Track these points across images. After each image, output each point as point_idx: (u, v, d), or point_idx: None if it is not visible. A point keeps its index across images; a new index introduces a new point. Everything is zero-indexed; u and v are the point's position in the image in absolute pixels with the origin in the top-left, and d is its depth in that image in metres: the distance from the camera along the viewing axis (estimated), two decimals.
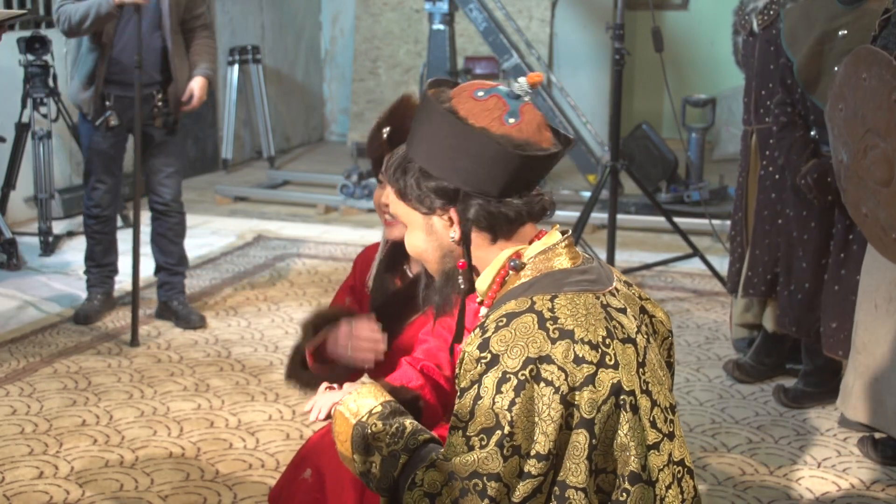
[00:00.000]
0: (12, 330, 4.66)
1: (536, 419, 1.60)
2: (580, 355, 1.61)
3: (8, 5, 6.55)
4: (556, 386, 1.59)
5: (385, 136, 2.28)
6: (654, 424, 1.68)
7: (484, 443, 1.60)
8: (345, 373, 2.33)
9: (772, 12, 3.95)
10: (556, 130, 1.77)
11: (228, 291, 5.28)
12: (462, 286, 1.77)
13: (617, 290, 1.75)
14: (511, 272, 1.72)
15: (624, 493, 1.65)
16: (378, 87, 9.60)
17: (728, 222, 5.55)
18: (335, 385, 1.95)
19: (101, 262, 4.77)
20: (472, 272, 1.77)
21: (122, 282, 5.16)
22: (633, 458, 1.64)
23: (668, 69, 5.76)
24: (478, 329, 1.67)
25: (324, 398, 1.92)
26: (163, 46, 4.51)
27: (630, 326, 1.71)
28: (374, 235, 5.97)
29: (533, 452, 1.60)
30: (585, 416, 1.61)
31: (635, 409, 1.65)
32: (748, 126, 4.14)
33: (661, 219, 5.70)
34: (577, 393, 1.61)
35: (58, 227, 6.19)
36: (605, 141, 7.27)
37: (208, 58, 4.65)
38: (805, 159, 3.67)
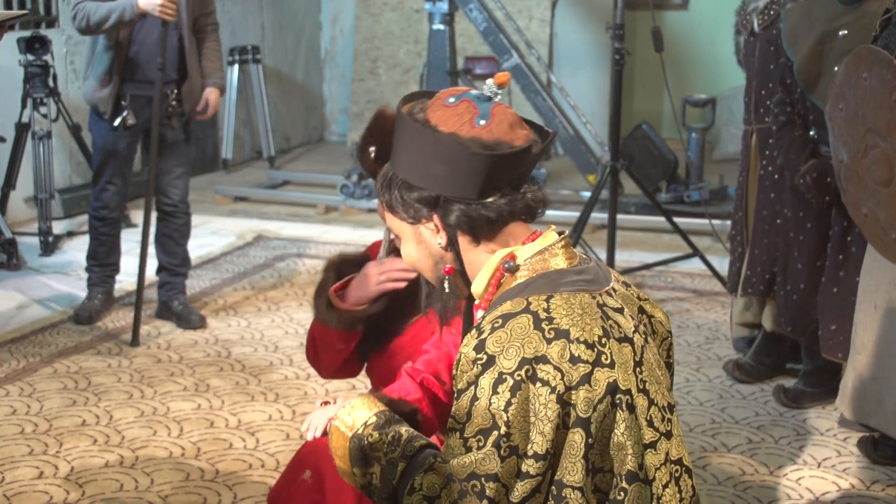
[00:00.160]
0: (12, 330, 4.66)
1: (533, 419, 1.60)
2: (576, 355, 1.62)
3: (8, 6, 6.54)
4: (553, 386, 1.60)
5: (372, 155, 2.32)
6: (650, 423, 1.68)
7: (481, 444, 1.61)
8: (377, 308, 2.35)
9: (772, 12, 3.95)
10: (536, 125, 1.78)
11: (228, 291, 5.28)
12: (448, 291, 1.79)
13: (614, 290, 1.76)
14: (506, 274, 1.73)
15: (622, 493, 1.65)
16: (378, 87, 9.60)
17: (728, 222, 5.55)
18: (330, 400, 1.96)
19: (104, 262, 4.77)
20: (462, 277, 1.79)
21: (122, 282, 5.16)
22: (629, 457, 1.65)
23: (668, 69, 5.76)
24: (474, 330, 1.68)
25: (319, 415, 1.92)
26: (179, 45, 4.51)
27: (627, 326, 1.71)
28: (374, 235, 5.97)
29: (531, 452, 1.60)
30: (581, 415, 1.61)
31: (632, 407, 1.65)
32: (748, 126, 4.14)
33: (661, 219, 5.70)
34: (573, 392, 1.61)
35: (58, 227, 6.19)
36: (605, 141, 7.27)
37: (219, 65, 4.73)
38: (804, 159, 3.67)
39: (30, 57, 5.89)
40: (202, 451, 3.48)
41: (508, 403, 1.59)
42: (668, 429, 1.72)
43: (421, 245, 1.79)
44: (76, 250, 5.94)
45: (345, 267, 2.42)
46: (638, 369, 1.68)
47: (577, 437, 1.61)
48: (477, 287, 1.76)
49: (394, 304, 2.40)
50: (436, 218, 1.73)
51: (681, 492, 1.72)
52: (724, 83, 8.82)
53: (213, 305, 5.03)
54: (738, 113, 8.25)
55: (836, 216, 3.63)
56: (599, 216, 6.04)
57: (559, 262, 1.73)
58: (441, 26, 7.19)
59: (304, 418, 3.69)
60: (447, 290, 1.80)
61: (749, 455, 3.48)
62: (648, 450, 1.68)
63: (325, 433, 1.90)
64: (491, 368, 1.61)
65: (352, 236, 6.40)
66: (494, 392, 1.60)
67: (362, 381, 3.93)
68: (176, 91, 4.55)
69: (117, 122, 4.48)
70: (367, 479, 1.74)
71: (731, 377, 4.12)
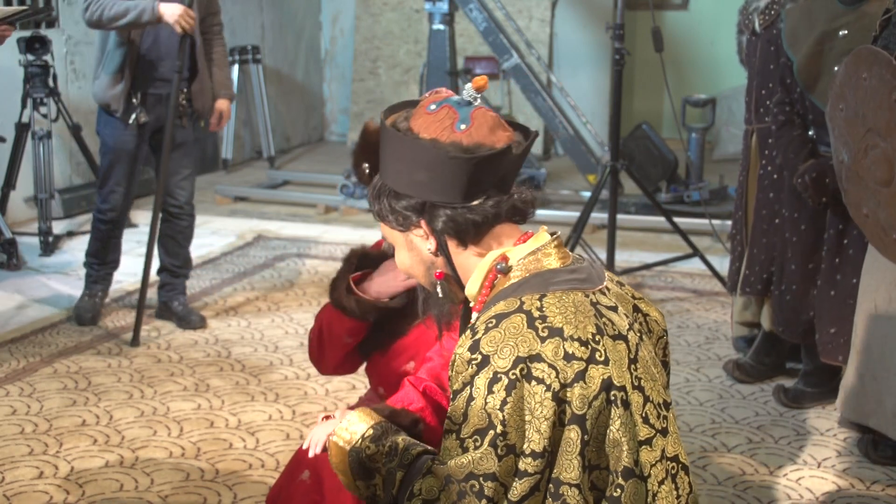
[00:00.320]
0: (12, 330, 4.66)
1: (529, 417, 1.61)
2: (570, 352, 1.63)
3: (7, 5, 6.54)
4: (548, 384, 1.61)
5: (367, 171, 2.35)
6: (646, 420, 1.69)
7: (478, 444, 1.62)
8: (399, 303, 2.37)
9: (772, 12, 3.95)
10: (520, 126, 1.81)
11: (228, 291, 5.28)
12: (442, 296, 1.82)
13: (608, 289, 1.77)
14: (499, 275, 1.75)
15: (618, 489, 1.66)
16: (378, 87, 9.60)
17: (728, 222, 5.56)
18: (332, 414, 1.97)
19: (105, 260, 4.75)
20: (455, 281, 1.81)
21: (122, 282, 5.17)
22: (625, 453, 1.65)
23: (668, 69, 5.76)
24: (468, 331, 1.69)
25: (319, 430, 1.94)
26: (190, 44, 4.49)
27: (621, 323, 1.72)
28: (374, 235, 5.97)
29: (528, 451, 1.61)
30: (577, 412, 1.62)
31: (626, 404, 1.66)
32: (749, 125, 4.14)
33: (661, 219, 5.70)
34: (568, 389, 1.62)
35: (58, 227, 6.19)
36: (605, 141, 7.27)
37: (229, 73, 4.79)
38: (802, 158, 3.67)
39: (30, 57, 5.89)
40: (202, 451, 3.48)
41: (504, 402, 1.60)
42: (664, 426, 1.72)
43: (412, 252, 1.81)
44: (76, 250, 5.94)
45: (364, 260, 2.43)
46: (633, 366, 1.69)
47: (572, 434, 1.62)
48: (470, 290, 1.78)
49: (401, 306, 2.40)
50: (423, 224, 1.76)
51: (678, 489, 1.72)
52: (724, 83, 8.82)
53: (213, 305, 5.03)
54: (738, 113, 8.26)
55: (831, 218, 3.63)
56: (599, 216, 6.04)
57: (552, 261, 1.74)
58: (441, 26, 7.18)
59: (305, 418, 3.71)
60: (441, 295, 1.82)
61: (749, 455, 3.48)
62: (644, 446, 1.68)
63: (325, 449, 1.91)
64: (486, 368, 1.62)
65: (352, 236, 6.40)
66: (490, 391, 1.61)
67: (362, 381, 3.93)
68: (186, 90, 4.54)
69: (131, 119, 4.44)
70: (370, 490, 1.76)
71: (731, 377, 4.12)
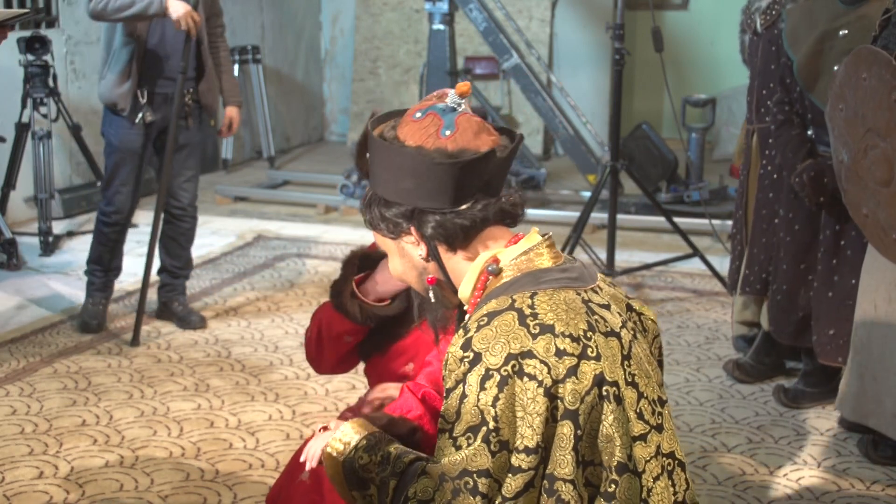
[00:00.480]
0: (12, 330, 4.66)
1: (521, 413, 1.62)
2: (561, 348, 1.64)
3: (7, 5, 6.55)
4: (540, 380, 1.62)
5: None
6: (640, 416, 1.70)
7: (471, 441, 1.63)
8: (400, 307, 2.37)
9: (773, 12, 3.95)
10: (505, 130, 1.83)
11: (228, 291, 5.28)
12: (435, 301, 1.84)
13: (600, 288, 1.79)
14: (491, 277, 1.77)
15: (612, 485, 1.67)
16: (378, 87, 9.60)
17: (728, 222, 5.56)
18: (329, 426, 1.98)
19: (108, 267, 4.68)
20: (448, 285, 1.83)
21: (122, 282, 5.16)
22: (618, 448, 1.66)
23: (668, 69, 5.76)
24: (461, 330, 1.71)
25: (317, 443, 1.95)
26: (196, 43, 4.49)
27: (613, 321, 1.73)
28: (373, 235, 5.96)
29: (521, 447, 1.62)
30: (569, 407, 1.63)
31: (619, 399, 1.67)
32: (750, 125, 4.15)
33: (661, 219, 5.70)
34: (560, 385, 1.63)
35: (58, 227, 6.19)
36: (605, 141, 7.26)
37: (234, 78, 4.80)
38: (801, 158, 3.67)
39: (30, 57, 5.89)
40: (202, 451, 3.48)
41: (496, 399, 1.62)
42: (660, 422, 1.73)
43: (404, 258, 1.84)
44: (76, 250, 5.94)
45: (365, 262, 2.43)
46: (626, 363, 1.70)
47: (566, 430, 1.63)
48: (463, 292, 1.80)
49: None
50: (413, 230, 1.78)
51: (674, 485, 1.73)
52: (724, 83, 8.82)
53: (213, 306, 5.03)
54: (738, 113, 8.26)
55: (826, 219, 3.63)
56: (599, 216, 6.04)
57: (544, 261, 1.76)
58: (441, 26, 7.18)
59: (305, 418, 3.71)
60: (433, 300, 1.85)
61: (749, 455, 3.48)
62: (638, 442, 1.69)
63: (321, 461, 1.92)
64: (478, 365, 1.64)
65: (352, 236, 6.40)
66: (482, 388, 1.62)
67: (362, 381, 3.93)
68: (193, 90, 4.53)
69: (138, 118, 4.41)
70: (366, 500, 1.77)
71: (731, 377, 4.12)
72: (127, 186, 4.54)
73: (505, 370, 1.62)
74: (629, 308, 1.83)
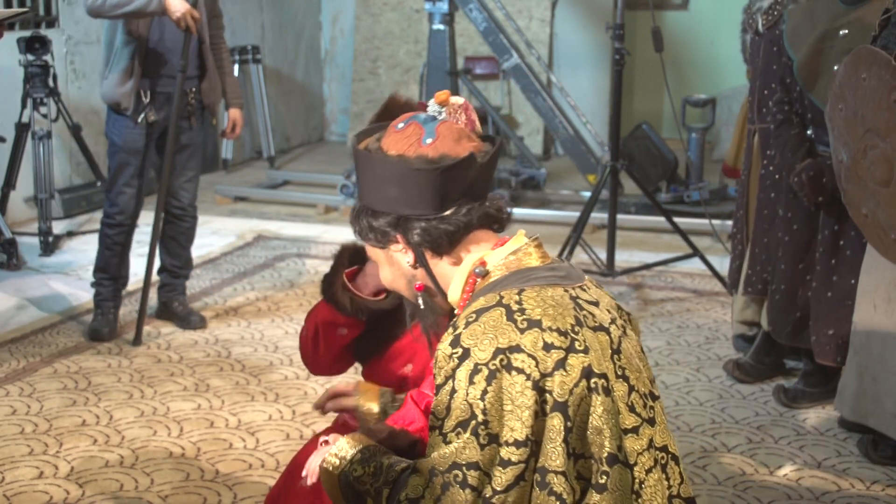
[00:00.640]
0: (12, 330, 4.66)
1: (510, 406, 1.64)
2: (549, 342, 1.66)
3: (8, 5, 6.54)
4: (528, 373, 1.64)
5: None
6: (632, 409, 1.72)
7: (460, 435, 1.65)
8: (393, 302, 2.37)
9: (775, 13, 3.95)
10: (488, 136, 1.86)
11: (228, 291, 5.28)
12: (424, 307, 1.88)
13: (588, 287, 1.82)
14: (479, 279, 1.80)
15: (603, 476, 1.68)
16: (378, 87, 9.60)
17: (728, 222, 5.56)
18: (329, 439, 1.99)
19: (115, 275, 4.61)
20: (437, 291, 1.85)
21: None
22: (608, 440, 1.68)
23: (668, 69, 5.76)
24: (450, 327, 1.73)
25: (316, 458, 1.97)
26: (198, 42, 4.48)
27: (602, 317, 1.76)
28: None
29: (511, 440, 1.63)
30: (558, 399, 1.65)
31: (608, 391, 1.69)
32: (752, 125, 4.15)
33: (661, 219, 5.70)
34: (548, 379, 1.65)
35: (58, 227, 6.19)
36: (605, 141, 7.27)
37: (235, 80, 4.80)
38: (800, 157, 3.68)
39: (30, 57, 5.89)
40: (202, 451, 3.48)
41: (484, 392, 1.64)
42: (651, 416, 1.75)
43: (394, 267, 1.87)
44: (76, 250, 5.94)
45: (356, 257, 2.43)
46: (615, 356, 1.73)
47: (555, 422, 1.65)
48: (453, 296, 1.83)
49: (396, 308, 2.40)
50: (400, 238, 1.81)
51: (668, 479, 1.75)
52: (724, 83, 8.82)
53: (213, 306, 5.03)
54: (738, 113, 8.25)
55: (824, 219, 3.63)
56: (599, 216, 6.04)
57: (532, 261, 1.79)
58: (441, 26, 7.18)
59: (305, 418, 3.71)
60: (423, 307, 1.88)
61: (749, 455, 3.48)
62: (629, 434, 1.71)
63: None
64: (467, 361, 1.66)
65: (351, 236, 6.37)
66: (471, 383, 1.64)
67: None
68: (194, 89, 4.53)
69: (140, 118, 4.39)
70: None
71: (731, 377, 4.12)
72: (131, 187, 4.51)
73: (493, 364, 1.64)
74: (619, 308, 1.85)
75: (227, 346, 4.48)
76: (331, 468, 1.84)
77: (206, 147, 8.40)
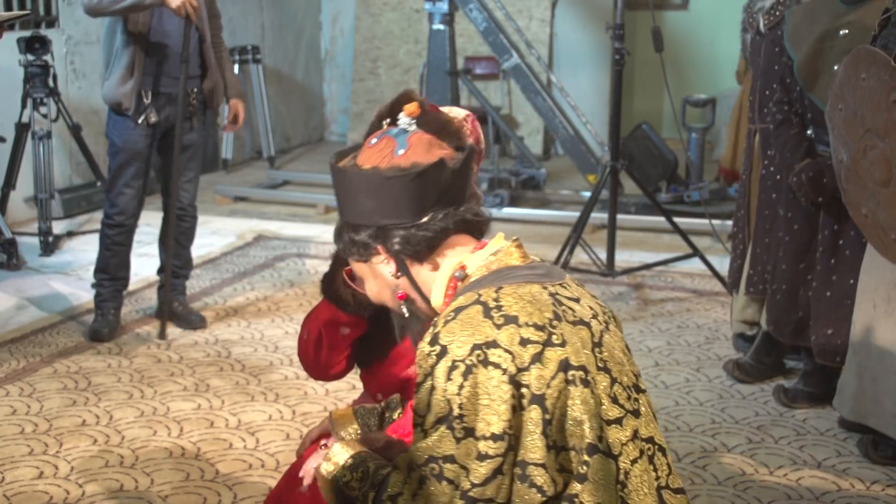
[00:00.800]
0: (12, 330, 4.66)
1: (487, 401, 1.65)
2: (526, 337, 1.68)
3: (8, 5, 6.55)
4: (504, 368, 1.65)
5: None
6: (615, 400, 1.73)
7: (438, 429, 1.67)
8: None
9: (777, 13, 3.95)
10: (460, 145, 1.88)
11: (228, 291, 5.28)
12: (408, 315, 1.90)
13: (569, 285, 1.83)
14: (459, 283, 1.82)
15: (584, 466, 1.69)
16: (378, 87, 9.60)
17: (728, 222, 5.56)
18: (328, 443, 1.99)
19: (115, 276, 4.59)
20: (421, 298, 1.87)
21: None
22: (587, 430, 1.69)
23: (668, 69, 5.76)
24: (431, 327, 1.75)
25: (312, 462, 1.98)
26: (199, 41, 4.48)
27: (583, 312, 1.77)
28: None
29: (488, 433, 1.65)
30: (535, 392, 1.66)
31: (587, 383, 1.70)
32: (753, 125, 4.15)
33: (661, 219, 5.70)
34: (524, 373, 1.67)
35: (58, 227, 6.19)
36: (605, 141, 7.27)
37: (234, 73, 4.79)
38: (799, 157, 3.68)
39: (30, 57, 5.89)
40: (202, 451, 3.48)
41: (461, 387, 1.65)
42: (636, 408, 1.76)
43: (378, 279, 1.89)
44: (76, 250, 5.94)
45: None
46: (597, 349, 1.74)
47: (533, 414, 1.66)
48: (436, 301, 1.85)
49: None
50: (381, 248, 1.84)
51: (656, 469, 1.76)
52: (724, 83, 8.82)
53: (213, 306, 5.03)
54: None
55: (824, 219, 3.63)
56: (599, 216, 6.04)
57: (512, 260, 1.82)
58: (441, 26, 7.19)
59: (305, 418, 3.71)
60: (407, 315, 1.90)
61: (749, 455, 3.48)
62: (613, 425, 1.72)
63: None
64: (444, 358, 1.67)
65: None
66: (448, 379, 1.66)
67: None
68: (196, 89, 4.52)
69: (141, 119, 4.37)
70: None
71: (731, 377, 4.12)
72: (131, 188, 4.49)
73: (470, 360, 1.66)
74: (602, 305, 1.87)
75: (227, 346, 4.48)
76: (325, 473, 1.88)
77: (207, 147, 8.43)
